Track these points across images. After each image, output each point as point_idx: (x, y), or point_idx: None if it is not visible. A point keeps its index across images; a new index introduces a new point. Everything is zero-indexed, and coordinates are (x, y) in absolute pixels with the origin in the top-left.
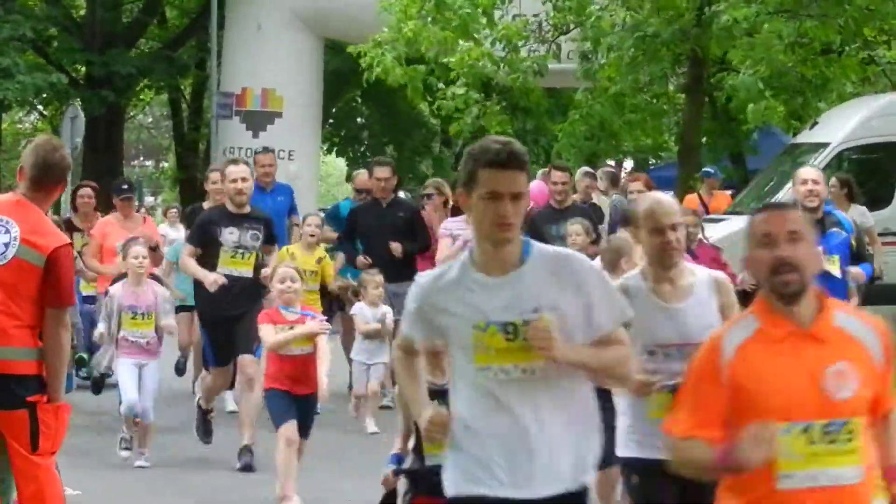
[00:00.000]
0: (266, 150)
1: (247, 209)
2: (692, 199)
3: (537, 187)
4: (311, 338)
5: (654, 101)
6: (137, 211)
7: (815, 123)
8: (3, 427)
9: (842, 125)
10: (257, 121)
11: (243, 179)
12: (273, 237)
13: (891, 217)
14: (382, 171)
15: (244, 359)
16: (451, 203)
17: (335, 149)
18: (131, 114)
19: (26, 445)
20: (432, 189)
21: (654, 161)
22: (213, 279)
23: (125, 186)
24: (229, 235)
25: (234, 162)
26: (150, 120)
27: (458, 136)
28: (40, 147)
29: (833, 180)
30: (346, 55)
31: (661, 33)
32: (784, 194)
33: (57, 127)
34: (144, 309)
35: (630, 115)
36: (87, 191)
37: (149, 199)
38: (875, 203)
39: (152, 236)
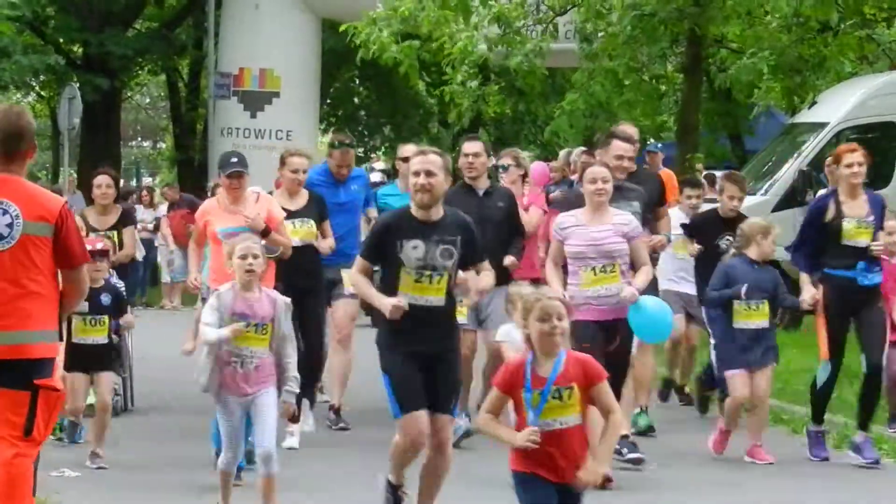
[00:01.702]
0: (342, 144)
1: (437, 214)
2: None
3: (539, 169)
4: (581, 401)
5: (652, 81)
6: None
7: (814, 103)
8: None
9: (840, 105)
10: (255, 101)
11: (428, 174)
12: (475, 251)
13: (890, 196)
14: (472, 146)
15: (440, 420)
16: (529, 177)
17: (332, 129)
18: (128, 94)
19: (20, 429)
20: (509, 159)
21: (652, 141)
22: (391, 304)
23: (234, 160)
24: (413, 251)
25: (423, 153)
26: (147, 100)
27: (458, 119)
28: (3, 118)
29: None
30: (343, 35)
31: (659, 12)
32: (783, 174)
33: (54, 108)
34: (259, 320)
35: (629, 94)
36: (104, 179)
37: (147, 180)
38: (874, 182)
39: (272, 218)
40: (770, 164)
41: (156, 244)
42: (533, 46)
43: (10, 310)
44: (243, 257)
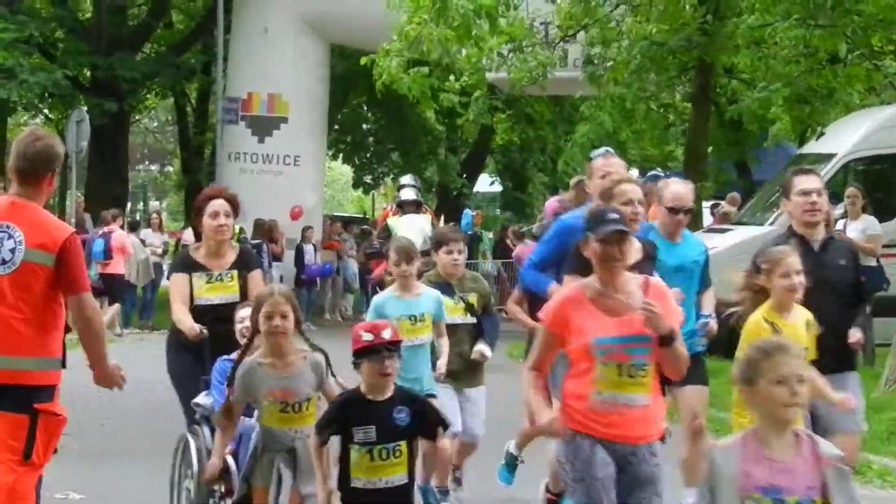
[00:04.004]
0: (609, 152)
1: None
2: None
3: (551, 206)
4: None
5: (660, 110)
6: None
7: (822, 134)
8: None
9: (848, 136)
10: (263, 126)
11: None
12: None
13: None
14: (810, 181)
15: None
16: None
17: (341, 155)
18: (136, 118)
19: (18, 453)
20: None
21: (660, 170)
22: None
23: (613, 215)
24: None
25: None
26: (155, 124)
27: (465, 132)
28: (20, 141)
29: (852, 189)
30: (352, 60)
31: (668, 41)
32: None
33: (62, 130)
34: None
35: (637, 124)
36: (221, 205)
37: (154, 204)
38: (881, 214)
39: (669, 312)
40: (777, 194)
41: (164, 268)
42: (536, 64)
43: (9, 335)
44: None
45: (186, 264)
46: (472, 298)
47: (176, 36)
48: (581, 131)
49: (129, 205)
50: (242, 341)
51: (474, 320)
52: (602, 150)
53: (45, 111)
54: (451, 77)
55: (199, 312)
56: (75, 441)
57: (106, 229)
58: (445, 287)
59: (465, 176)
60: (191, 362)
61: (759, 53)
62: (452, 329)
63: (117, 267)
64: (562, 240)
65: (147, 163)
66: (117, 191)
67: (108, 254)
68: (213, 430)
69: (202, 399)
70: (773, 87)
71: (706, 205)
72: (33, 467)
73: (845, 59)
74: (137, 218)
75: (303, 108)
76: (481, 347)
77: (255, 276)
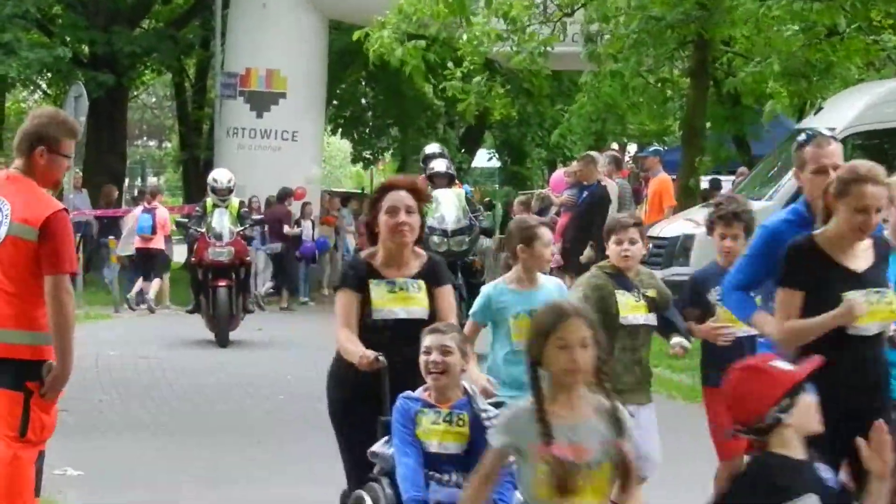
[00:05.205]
0: (821, 135)
1: None
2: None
3: (557, 178)
4: None
5: (658, 85)
6: (139, 198)
7: (820, 109)
8: None
9: (847, 111)
10: (261, 101)
11: None
12: None
13: None
14: None
15: None
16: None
17: (339, 130)
18: (135, 94)
19: (15, 429)
20: None
21: (657, 145)
22: None
23: None
24: None
25: None
26: (153, 100)
27: (465, 115)
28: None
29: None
30: (350, 35)
31: (666, 15)
32: (788, 179)
33: (60, 106)
34: None
35: (636, 98)
36: (401, 199)
37: (152, 180)
38: None
39: None
40: (775, 169)
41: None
42: (537, 45)
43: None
44: None
45: (358, 275)
46: (652, 293)
47: (174, 11)
48: (580, 102)
49: (126, 180)
50: (428, 379)
51: (654, 320)
52: (811, 131)
53: (44, 87)
54: (451, 64)
55: (376, 328)
56: (73, 417)
57: (149, 206)
58: (622, 280)
59: (463, 151)
60: (360, 400)
61: (757, 28)
62: (632, 331)
63: (158, 243)
64: (771, 250)
65: (145, 138)
66: (115, 166)
67: (153, 229)
68: (394, 486)
69: (380, 448)
70: (767, 61)
71: (704, 179)
72: (29, 444)
73: (844, 33)
74: (136, 193)
75: (301, 84)
76: (679, 340)
77: (446, 292)
